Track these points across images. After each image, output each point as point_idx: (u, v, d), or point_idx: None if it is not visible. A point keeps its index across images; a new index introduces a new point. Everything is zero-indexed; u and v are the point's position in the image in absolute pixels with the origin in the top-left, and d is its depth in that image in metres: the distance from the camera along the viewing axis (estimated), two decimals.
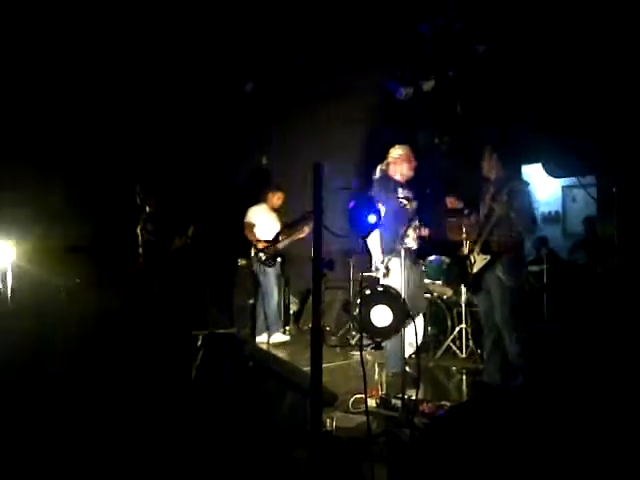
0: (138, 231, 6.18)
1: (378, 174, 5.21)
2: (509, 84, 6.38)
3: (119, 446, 3.12)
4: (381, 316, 3.60)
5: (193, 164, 7.86)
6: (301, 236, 6.85)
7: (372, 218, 2.52)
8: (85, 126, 6.91)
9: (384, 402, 4.37)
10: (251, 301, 7.47)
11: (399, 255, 4.95)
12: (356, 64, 7.21)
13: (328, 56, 7.27)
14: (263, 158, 8.45)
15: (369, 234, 2.67)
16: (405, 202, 4.99)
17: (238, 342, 3.57)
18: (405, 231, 4.90)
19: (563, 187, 9.16)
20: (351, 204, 2.59)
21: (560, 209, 9.29)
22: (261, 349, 3.55)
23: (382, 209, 4.94)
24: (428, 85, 7.05)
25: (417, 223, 5.04)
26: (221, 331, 6.58)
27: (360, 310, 3.63)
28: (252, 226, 6.98)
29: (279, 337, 6.97)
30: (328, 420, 3.76)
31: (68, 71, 6.42)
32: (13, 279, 5.72)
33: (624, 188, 3.37)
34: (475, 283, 4.81)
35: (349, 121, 7.55)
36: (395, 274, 5.03)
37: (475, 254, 4.74)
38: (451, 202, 5.01)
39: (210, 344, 3.51)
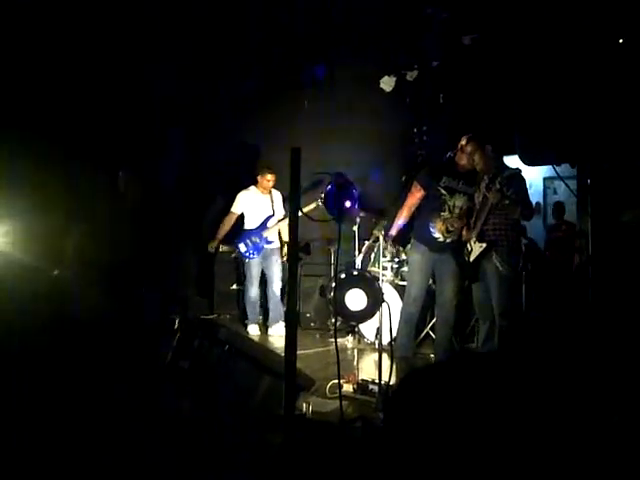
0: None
1: (446, 158, 5.14)
2: (492, 75, 6.43)
3: (90, 429, 3.11)
4: (356, 300, 3.61)
5: (176, 150, 7.81)
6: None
7: (347, 203, 2.53)
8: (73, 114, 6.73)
9: (361, 388, 4.41)
10: (234, 287, 7.49)
11: (418, 243, 5.03)
12: (341, 52, 7.21)
13: (312, 45, 7.25)
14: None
15: (343, 218, 2.68)
16: (443, 192, 4.95)
17: (214, 326, 3.58)
18: (432, 219, 4.94)
19: (544, 179, 9.25)
20: (328, 188, 2.60)
21: (541, 200, 9.37)
22: (237, 333, 3.54)
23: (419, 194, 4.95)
24: (411, 75, 7.07)
25: (451, 216, 4.95)
26: (201, 317, 6.65)
27: (335, 293, 3.64)
28: (231, 217, 6.80)
29: (254, 329, 6.83)
30: (304, 405, 3.79)
31: (58, 61, 6.27)
32: None
33: (599, 179, 3.40)
34: (472, 272, 4.85)
35: (332, 109, 7.54)
36: (411, 260, 5.15)
37: (472, 242, 4.79)
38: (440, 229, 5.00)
39: (186, 328, 3.51)
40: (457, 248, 5.06)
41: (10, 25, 5.66)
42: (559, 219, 7.96)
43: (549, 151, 2.86)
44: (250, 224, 6.79)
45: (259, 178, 6.77)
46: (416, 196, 5.10)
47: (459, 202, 4.96)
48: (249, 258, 6.71)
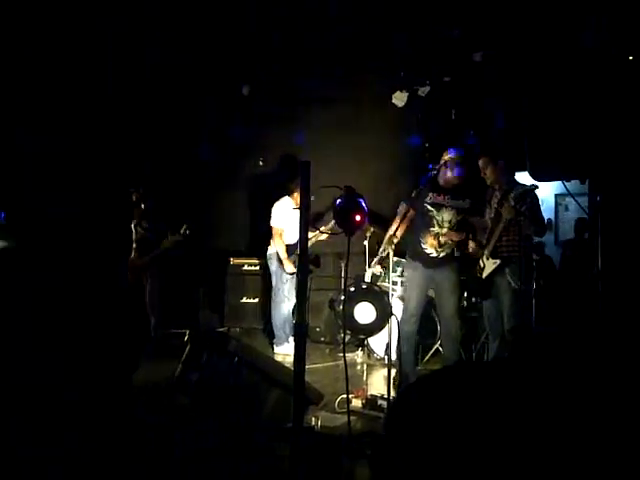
0: (132, 227, 6.18)
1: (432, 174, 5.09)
2: (503, 91, 6.47)
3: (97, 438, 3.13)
4: (364, 313, 3.62)
5: (190, 162, 7.88)
6: (321, 238, 6.27)
7: (358, 216, 2.54)
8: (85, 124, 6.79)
9: (370, 403, 4.40)
10: (244, 300, 7.49)
11: (412, 260, 5.03)
12: (353, 68, 7.27)
13: (323, 60, 7.32)
14: (260, 160, 8.44)
15: (354, 232, 2.69)
16: (430, 208, 4.94)
17: (224, 338, 3.59)
18: (422, 236, 4.93)
19: (556, 195, 9.21)
20: (337, 202, 2.62)
21: (552, 217, 9.34)
22: (247, 345, 3.55)
23: (403, 209, 4.95)
24: (423, 90, 7.12)
25: (441, 231, 4.92)
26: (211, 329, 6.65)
27: (344, 307, 3.64)
28: (279, 233, 6.47)
29: (287, 348, 6.33)
30: (313, 419, 3.80)
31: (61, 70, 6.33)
32: None
33: (609, 196, 3.39)
34: (484, 289, 4.83)
35: (343, 124, 7.60)
36: (407, 277, 5.12)
37: (484, 259, 4.78)
38: (471, 247, 4.98)
39: (196, 340, 3.53)
40: (453, 262, 5.06)
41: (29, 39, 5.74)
42: (580, 236, 7.83)
43: (558, 166, 2.86)
44: (289, 239, 6.52)
45: (297, 193, 6.36)
46: (400, 211, 5.09)
47: (447, 216, 4.96)
48: (293, 274, 6.37)
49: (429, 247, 4.97)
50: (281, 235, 6.49)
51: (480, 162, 4.93)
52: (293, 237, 6.50)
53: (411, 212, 5.00)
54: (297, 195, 6.48)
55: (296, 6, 6.54)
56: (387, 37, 6.79)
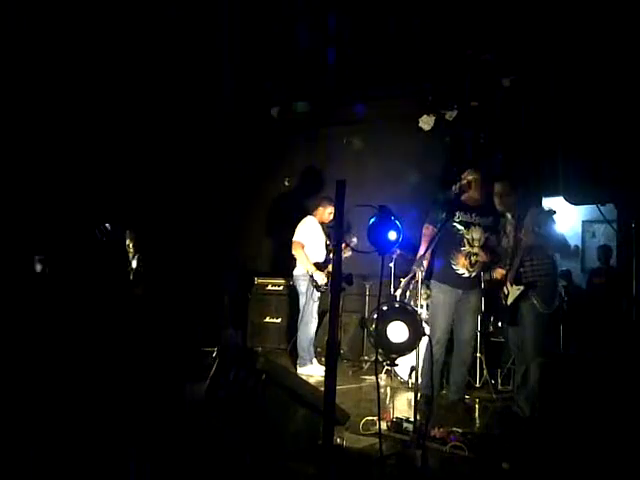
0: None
1: (452, 194, 5.06)
2: (532, 116, 6.46)
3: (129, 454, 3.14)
4: (397, 332, 3.61)
5: (217, 183, 7.95)
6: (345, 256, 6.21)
7: (392, 235, 2.54)
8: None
9: (395, 425, 4.35)
10: (267, 319, 7.49)
11: (441, 283, 5.00)
12: (382, 90, 7.34)
13: (352, 83, 7.40)
14: (286, 180, 8.50)
15: (390, 251, 2.68)
16: (459, 227, 4.94)
17: (252, 355, 3.60)
18: (452, 256, 4.91)
19: (583, 222, 9.13)
20: (371, 221, 2.62)
21: (580, 244, 9.24)
22: (274, 363, 3.55)
23: (430, 231, 4.95)
24: (450, 115, 7.15)
25: (472, 250, 4.91)
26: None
27: (377, 326, 3.63)
28: (301, 246, 6.42)
29: (311, 369, 6.32)
30: (338, 439, 3.76)
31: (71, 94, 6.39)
32: None
33: None
34: (510, 315, 4.77)
35: (370, 146, 7.65)
36: (435, 301, 5.08)
37: (508, 285, 4.73)
38: (499, 273, 4.95)
39: (225, 356, 3.54)
40: (479, 285, 5.07)
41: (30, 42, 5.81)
42: (605, 263, 7.74)
43: (593, 191, 2.85)
44: (314, 257, 6.47)
45: (321, 209, 6.55)
46: (427, 234, 5.07)
47: (476, 234, 4.95)
48: (323, 291, 6.35)
49: (461, 267, 4.95)
50: (303, 247, 6.44)
51: (498, 186, 4.87)
52: (318, 255, 6.50)
53: (430, 230, 4.99)
54: (324, 214, 6.55)
55: (325, 28, 6.64)
56: (418, 60, 6.84)
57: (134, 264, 5.75)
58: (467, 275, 4.95)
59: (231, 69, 7.12)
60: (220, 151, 7.93)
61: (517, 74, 6.70)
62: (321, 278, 6.33)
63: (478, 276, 5.04)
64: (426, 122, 7.39)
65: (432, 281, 5.15)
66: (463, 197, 4.96)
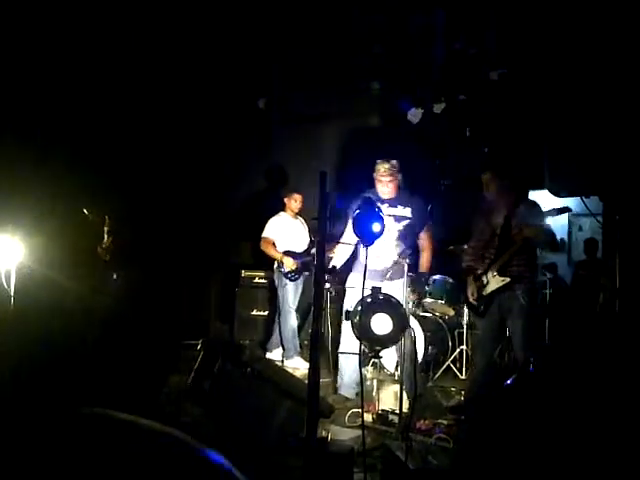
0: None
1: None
2: (518, 109, 6.48)
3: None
4: (381, 324, 3.61)
5: (205, 178, 7.90)
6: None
7: (376, 226, 2.53)
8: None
9: (381, 418, 4.37)
10: (254, 312, 7.47)
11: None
12: (368, 83, 7.33)
13: (340, 75, 7.37)
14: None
15: (373, 242, 2.66)
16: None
17: (237, 348, 3.58)
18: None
19: (569, 215, 9.17)
20: (355, 212, 2.61)
21: (566, 237, 9.30)
22: (260, 356, 3.55)
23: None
24: (438, 107, 7.15)
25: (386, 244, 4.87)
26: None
27: (360, 318, 3.63)
28: (269, 242, 6.48)
29: (297, 362, 6.34)
30: (324, 432, 3.77)
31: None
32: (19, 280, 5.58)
33: (628, 215, 3.37)
34: (484, 305, 4.70)
35: (357, 139, 7.63)
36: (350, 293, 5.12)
37: (490, 275, 4.62)
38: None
39: (210, 348, 3.53)
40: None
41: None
42: (591, 256, 7.80)
43: (578, 183, 2.86)
44: (287, 248, 6.50)
45: (286, 201, 6.60)
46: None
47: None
48: (292, 279, 6.41)
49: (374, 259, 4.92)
50: (272, 243, 6.49)
51: (485, 177, 4.84)
52: (294, 246, 6.53)
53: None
54: (290, 204, 6.58)
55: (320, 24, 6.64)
56: (406, 54, 6.84)
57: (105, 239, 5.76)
58: (379, 269, 4.89)
59: (219, 62, 7.08)
60: (206, 142, 7.86)
61: (506, 67, 6.71)
62: (290, 261, 6.35)
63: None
64: (414, 115, 7.38)
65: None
66: (376, 190, 5.01)
